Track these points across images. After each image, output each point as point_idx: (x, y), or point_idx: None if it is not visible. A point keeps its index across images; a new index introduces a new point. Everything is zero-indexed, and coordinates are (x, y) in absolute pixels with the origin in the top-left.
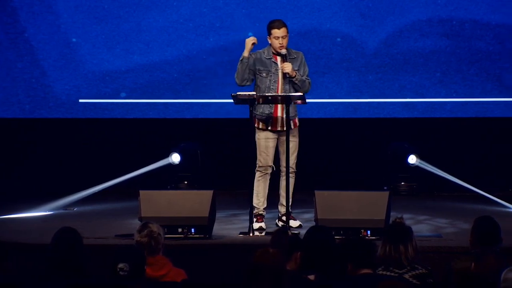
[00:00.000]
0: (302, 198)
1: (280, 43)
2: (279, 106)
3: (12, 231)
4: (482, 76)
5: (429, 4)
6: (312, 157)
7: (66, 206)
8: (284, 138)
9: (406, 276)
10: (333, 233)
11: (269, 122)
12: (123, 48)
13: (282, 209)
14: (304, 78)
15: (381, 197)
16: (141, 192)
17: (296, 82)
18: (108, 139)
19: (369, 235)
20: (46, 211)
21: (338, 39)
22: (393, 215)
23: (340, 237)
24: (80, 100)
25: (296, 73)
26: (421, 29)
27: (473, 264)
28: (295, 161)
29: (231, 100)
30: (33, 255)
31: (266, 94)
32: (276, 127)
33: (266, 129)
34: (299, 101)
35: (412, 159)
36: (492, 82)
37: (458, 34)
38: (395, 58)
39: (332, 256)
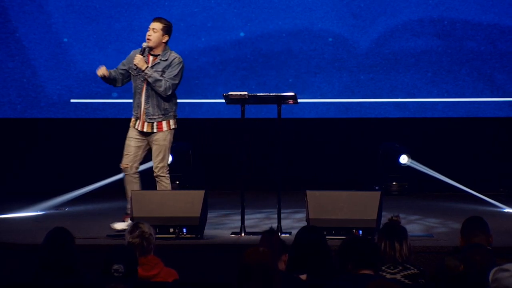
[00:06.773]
0: (293, 198)
1: (147, 34)
2: (143, 107)
3: (3, 231)
4: (473, 76)
5: (421, 4)
6: (304, 157)
7: (57, 206)
8: (150, 140)
9: (398, 276)
10: (325, 233)
11: (136, 122)
12: (115, 48)
13: None
14: (161, 78)
15: (372, 197)
16: (132, 192)
17: (146, 77)
18: (100, 139)
19: (360, 235)
20: (37, 211)
21: (330, 39)
22: (385, 215)
23: (332, 237)
24: (72, 100)
25: (148, 69)
26: (412, 29)
27: (461, 264)
28: (159, 166)
29: (223, 100)
30: (24, 255)
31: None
32: (142, 128)
33: (134, 128)
34: (290, 101)
35: (404, 159)
36: (483, 82)
37: (450, 34)
38: (387, 58)
39: (323, 256)
